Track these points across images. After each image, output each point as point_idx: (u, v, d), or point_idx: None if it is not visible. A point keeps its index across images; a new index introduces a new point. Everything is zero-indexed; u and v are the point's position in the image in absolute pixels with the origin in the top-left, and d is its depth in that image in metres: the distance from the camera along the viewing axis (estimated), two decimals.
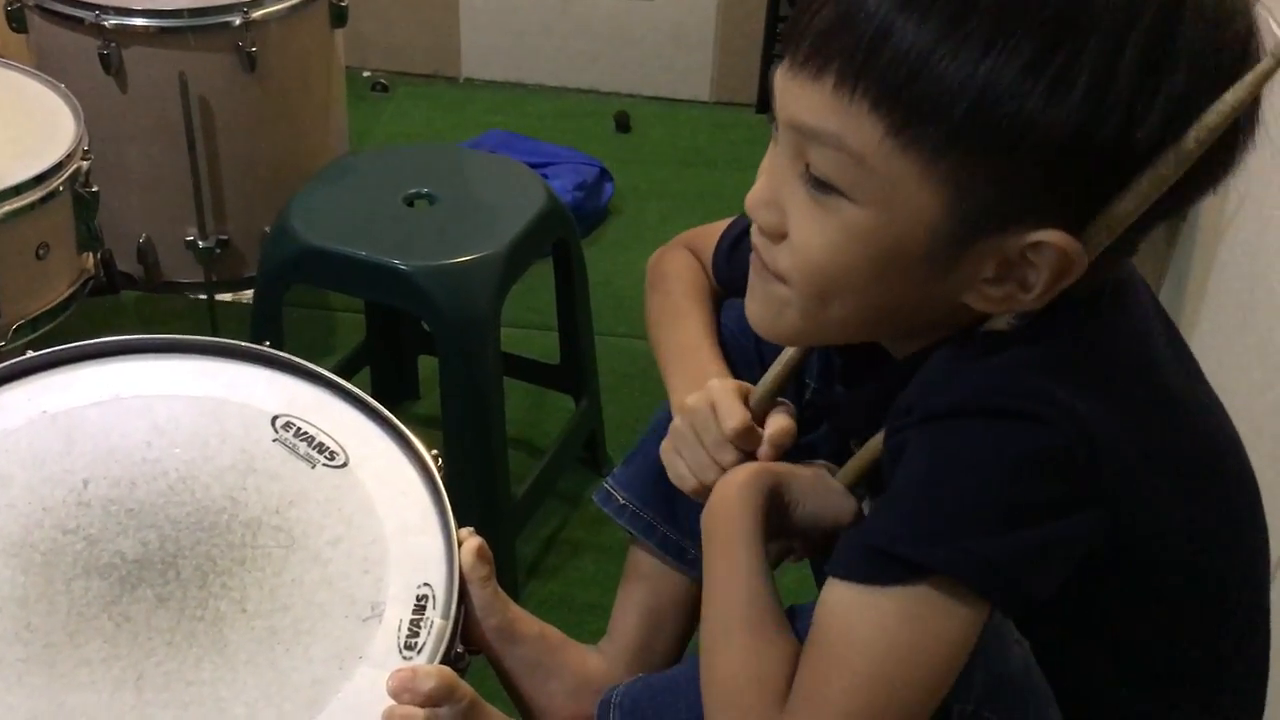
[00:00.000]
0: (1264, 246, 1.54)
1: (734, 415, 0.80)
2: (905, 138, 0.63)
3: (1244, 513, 0.75)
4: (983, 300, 0.68)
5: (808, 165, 0.68)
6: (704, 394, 0.82)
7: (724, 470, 0.80)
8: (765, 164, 0.72)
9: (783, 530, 0.79)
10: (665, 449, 0.85)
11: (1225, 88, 0.62)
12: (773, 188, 0.71)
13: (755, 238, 0.73)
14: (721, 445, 0.80)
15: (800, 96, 0.67)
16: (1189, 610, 0.74)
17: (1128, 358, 0.70)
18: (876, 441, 0.77)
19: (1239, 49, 0.63)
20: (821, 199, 0.68)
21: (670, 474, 0.84)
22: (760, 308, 0.75)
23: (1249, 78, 0.62)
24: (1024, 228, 0.64)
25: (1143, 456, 0.67)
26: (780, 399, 0.83)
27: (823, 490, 0.80)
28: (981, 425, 0.65)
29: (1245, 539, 0.76)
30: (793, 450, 0.86)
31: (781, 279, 0.72)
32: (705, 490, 0.81)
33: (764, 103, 2.85)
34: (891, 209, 0.66)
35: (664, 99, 2.81)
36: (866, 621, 0.65)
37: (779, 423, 0.81)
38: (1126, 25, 0.61)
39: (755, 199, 0.72)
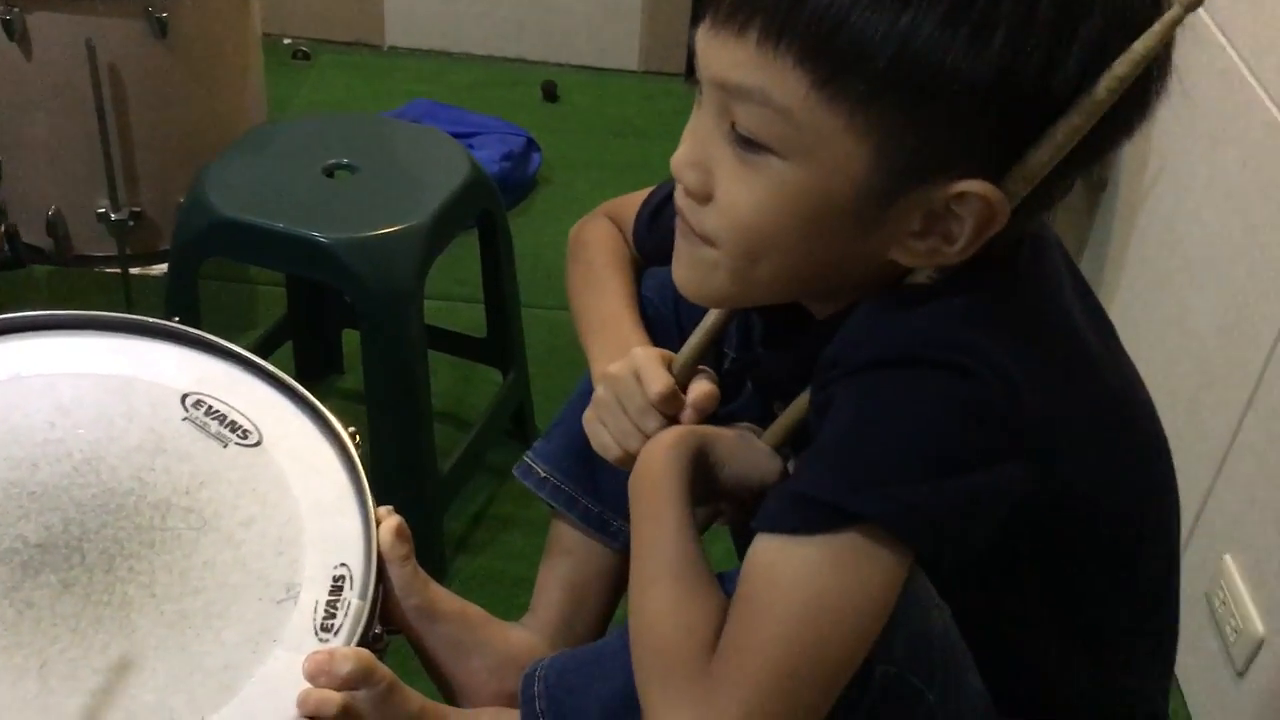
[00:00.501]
0: (1180, 215, 1.57)
1: (658, 380, 0.80)
2: (830, 90, 0.63)
3: (1158, 474, 0.77)
4: (908, 254, 0.69)
5: (733, 124, 0.67)
6: (627, 361, 0.82)
7: (648, 437, 0.79)
8: (690, 126, 0.72)
9: (709, 493, 0.79)
10: (588, 418, 0.84)
11: (1137, 35, 0.63)
12: (698, 149, 0.70)
13: (680, 200, 0.73)
14: (645, 412, 0.80)
15: (723, 54, 0.66)
16: (1107, 568, 0.75)
17: (1046, 313, 0.71)
18: (802, 400, 0.77)
19: None
20: (748, 157, 0.67)
21: (594, 443, 0.83)
22: (687, 271, 0.74)
23: (1158, 26, 0.63)
24: (948, 178, 0.65)
25: (1063, 411, 0.68)
26: (702, 365, 0.83)
27: (748, 451, 0.79)
28: (907, 375, 0.66)
29: (1160, 499, 0.77)
30: (714, 419, 0.86)
31: (709, 241, 0.71)
32: (629, 458, 0.80)
33: (692, 71, 2.83)
34: (819, 163, 0.66)
35: (591, 68, 2.79)
36: (793, 570, 0.65)
37: (702, 387, 0.81)
38: None
39: (680, 160, 0.71)
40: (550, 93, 2.64)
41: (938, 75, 0.61)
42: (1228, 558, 1.33)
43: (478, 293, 1.71)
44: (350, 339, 1.80)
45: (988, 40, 0.60)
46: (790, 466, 0.81)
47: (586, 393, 0.91)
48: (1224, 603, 1.32)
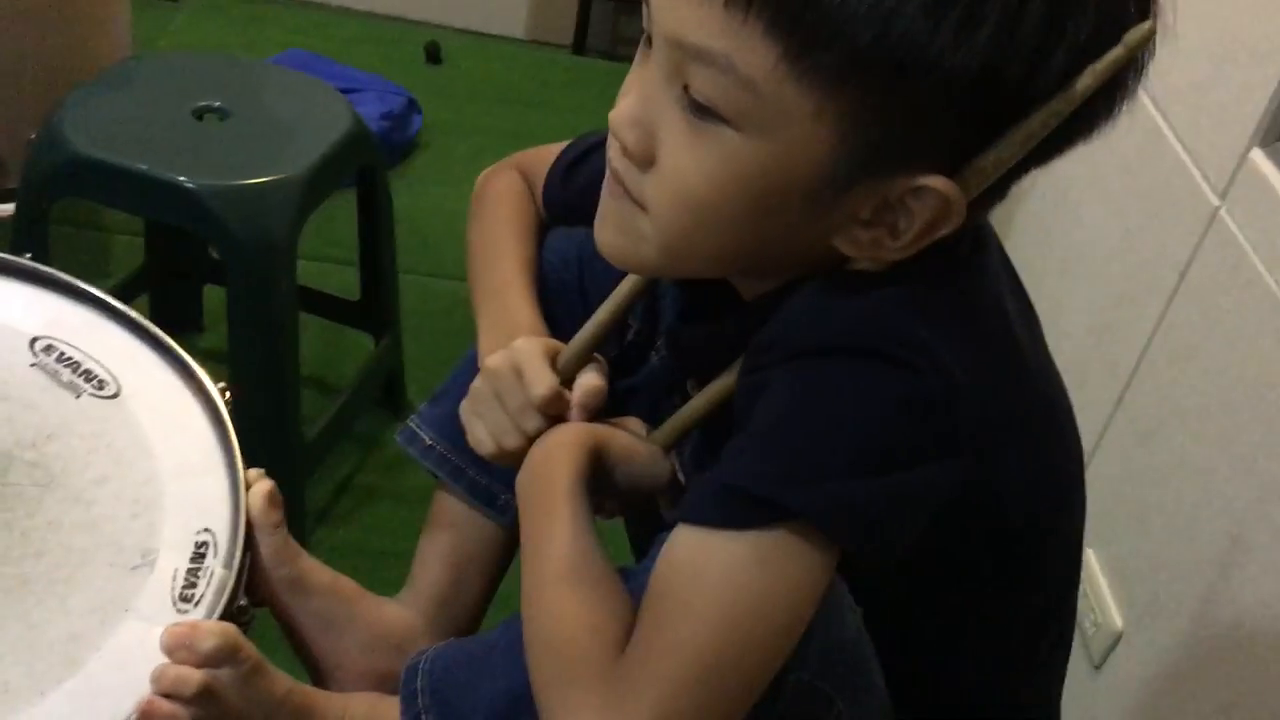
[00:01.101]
0: (1059, 215, 1.60)
1: (540, 382, 0.76)
2: (801, 66, 0.59)
3: (1073, 475, 0.76)
4: (850, 244, 0.65)
5: (687, 87, 0.63)
6: (507, 355, 0.77)
7: (527, 436, 0.76)
8: (632, 79, 0.67)
9: (598, 494, 0.75)
10: (464, 409, 0.80)
11: (1122, 34, 0.61)
12: (642, 107, 0.65)
13: (616, 160, 0.68)
14: (525, 410, 0.76)
15: (685, 11, 0.61)
16: (1018, 566, 0.74)
17: (985, 309, 0.69)
18: (704, 397, 0.74)
19: None
20: (700, 125, 0.63)
21: (469, 437, 0.79)
22: (614, 236, 0.70)
23: (1148, 24, 0.61)
24: (909, 171, 0.62)
25: (996, 412, 0.66)
26: (595, 354, 0.79)
27: (640, 453, 0.76)
28: (848, 366, 0.63)
29: (1071, 500, 0.77)
30: (615, 393, 0.83)
31: (643, 206, 0.67)
32: (506, 456, 0.77)
33: (579, 45, 2.79)
34: (778, 140, 0.62)
35: (477, 33, 2.72)
36: (717, 565, 0.62)
37: (589, 384, 0.77)
38: None
39: (621, 116, 0.66)
40: (434, 54, 2.57)
41: (918, 63, 0.58)
42: (1090, 552, 1.37)
43: (351, 254, 1.64)
44: (211, 295, 1.71)
45: (974, 31, 0.57)
46: (679, 469, 0.78)
47: (475, 359, 0.86)
48: (1084, 596, 1.36)
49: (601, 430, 0.75)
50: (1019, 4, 0.58)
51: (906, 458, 0.63)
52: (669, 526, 0.67)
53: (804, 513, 0.61)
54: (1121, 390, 1.36)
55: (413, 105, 2.26)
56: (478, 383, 0.79)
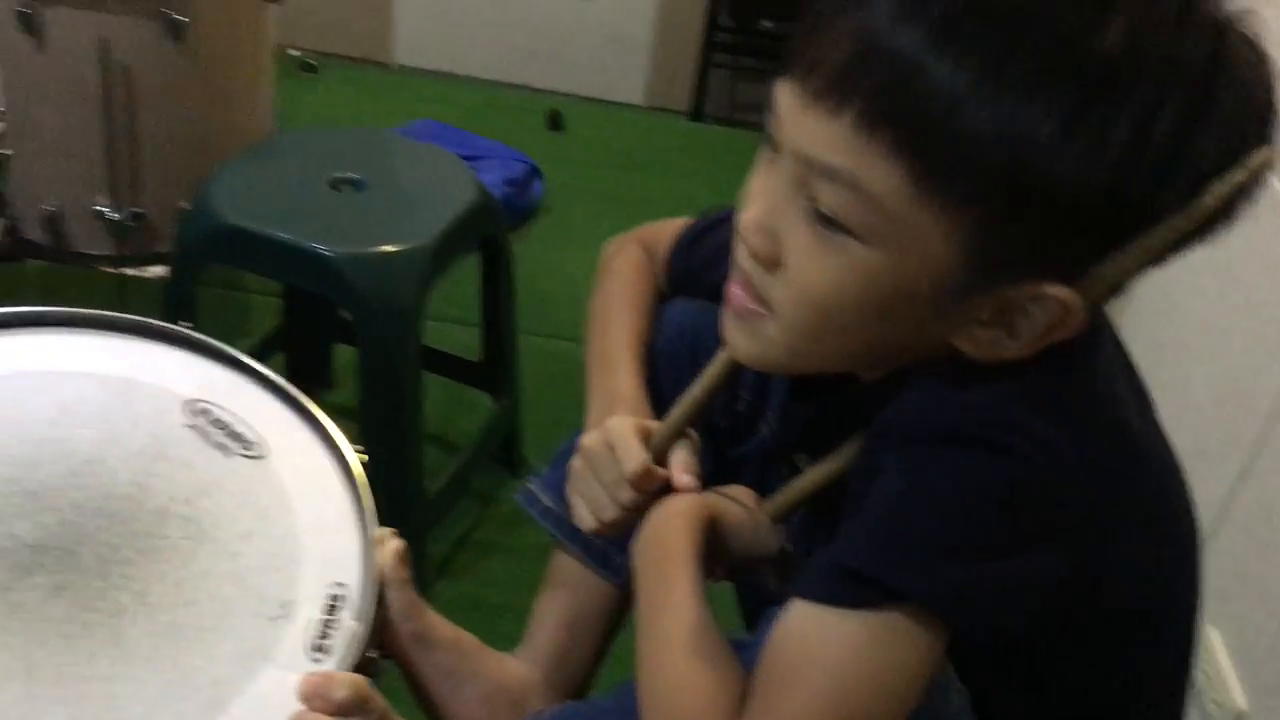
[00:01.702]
0: (1180, 284, 1.58)
1: (631, 458, 0.79)
2: (928, 186, 0.60)
3: (1188, 566, 0.76)
4: (969, 342, 0.67)
5: (814, 199, 0.64)
6: (601, 434, 0.81)
7: (623, 509, 0.79)
8: (760, 184, 0.69)
9: (708, 559, 0.78)
10: (568, 487, 0.84)
11: (1242, 156, 0.61)
12: (769, 213, 0.67)
13: (744, 260, 0.70)
14: (620, 485, 0.79)
15: (813, 130, 0.63)
16: (1126, 657, 0.74)
17: (1096, 395, 0.70)
18: (817, 473, 0.76)
19: (1265, 110, 0.62)
20: (826, 235, 0.65)
21: (572, 513, 0.83)
22: (743, 340, 0.72)
23: (1269, 150, 0.61)
24: (1032, 279, 0.63)
25: (1106, 497, 0.67)
26: (688, 430, 0.82)
27: (752, 525, 0.79)
28: (964, 453, 0.64)
29: (1185, 591, 0.76)
30: (725, 462, 0.85)
31: (769, 307, 0.69)
32: (605, 528, 0.80)
33: (697, 112, 2.85)
34: (902, 253, 0.63)
35: (597, 100, 2.80)
36: (832, 643, 0.64)
37: (681, 463, 0.80)
38: (1170, 79, 0.59)
39: (750, 223, 0.68)
40: (556, 122, 2.65)
41: (1047, 184, 0.59)
42: (1211, 630, 1.33)
43: (474, 315, 1.70)
44: (341, 354, 1.79)
45: (1104, 149, 0.58)
46: (786, 541, 0.80)
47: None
48: (1206, 676, 1.32)
49: (716, 501, 0.78)
50: (1146, 124, 0.58)
51: (1015, 543, 0.64)
52: (779, 596, 0.69)
53: (916, 596, 0.63)
54: (1245, 464, 1.33)
55: (534, 171, 2.34)
56: (575, 461, 0.82)
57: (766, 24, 2.78)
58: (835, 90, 0.62)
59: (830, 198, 0.64)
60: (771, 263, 0.68)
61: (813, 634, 0.65)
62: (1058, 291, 0.63)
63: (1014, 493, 0.63)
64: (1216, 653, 1.31)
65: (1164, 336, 1.58)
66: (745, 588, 0.92)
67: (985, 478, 0.64)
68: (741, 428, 0.85)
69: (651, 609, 0.73)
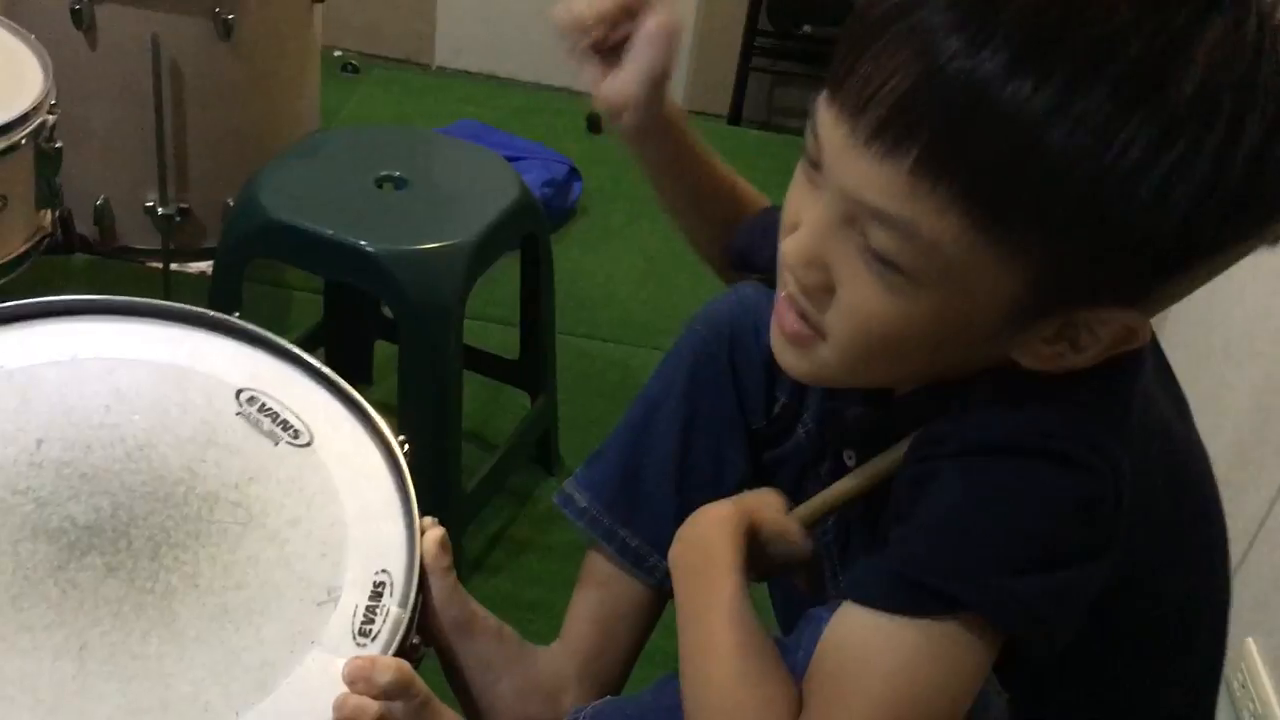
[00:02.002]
0: (1222, 293, 1.57)
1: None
2: (993, 233, 0.58)
3: (1220, 565, 0.76)
4: (1032, 357, 0.65)
5: (866, 235, 0.61)
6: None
7: None
8: (803, 207, 0.65)
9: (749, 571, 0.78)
10: None
11: None
12: (817, 244, 0.64)
13: (792, 286, 0.67)
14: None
15: (865, 172, 0.59)
16: (1162, 656, 0.74)
17: (1148, 404, 0.69)
18: (851, 483, 0.77)
19: None
20: (881, 271, 0.62)
21: None
22: (797, 361, 0.70)
23: None
24: (1096, 304, 0.62)
25: (1154, 510, 0.67)
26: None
27: (786, 532, 0.79)
28: (1022, 464, 0.64)
29: (1217, 588, 0.76)
30: (761, 465, 0.86)
31: (822, 333, 0.67)
32: None
33: (735, 116, 2.86)
34: (963, 292, 0.61)
35: None
36: (889, 650, 0.64)
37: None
38: (1247, 112, 0.56)
39: (797, 256, 0.65)
40: (596, 124, 2.66)
41: (1120, 220, 0.57)
42: (1250, 640, 1.32)
43: (512, 314, 1.71)
44: (381, 350, 1.81)
45: (1180, 186, 0.56)
46: (816, 545, 0.81)
47: (630, 428, 0.91)
48: (1244, 685, 1.31)
49: (754, 507, 0.78)
50: (1223, 162, 0.56)
51: (1073, 554, 0.64)
52: (814, 599, 0.69)
53: (976, 606, 0.63)
54: None
55: (574, 173, 2.35)
56: None
57: (806, 28, 2.78)
58: (891, 132, 0.58)
59: (884, 241, 0.60)
60: (825, 292, 0.66)
61: (871, 641, 0.64)
62: (1123, 315, 0.62)
63: (1076, 505, 0.63)
64: (1256, 663, 1.30)
65: (1205, 344, 1.57)
66: (779, 587, 0.92)
67: (1047, 489, 0.63)
68: (779, 430, 0.86)
69: (695, 613, 0.73)
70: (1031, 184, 0.56)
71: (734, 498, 0.80)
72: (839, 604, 0.68)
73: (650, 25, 0.82)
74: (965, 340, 0.65)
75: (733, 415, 0.87)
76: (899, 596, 0.64)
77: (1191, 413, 0.76)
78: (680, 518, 0.87)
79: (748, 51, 2.76)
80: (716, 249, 0.96)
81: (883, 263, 0.61)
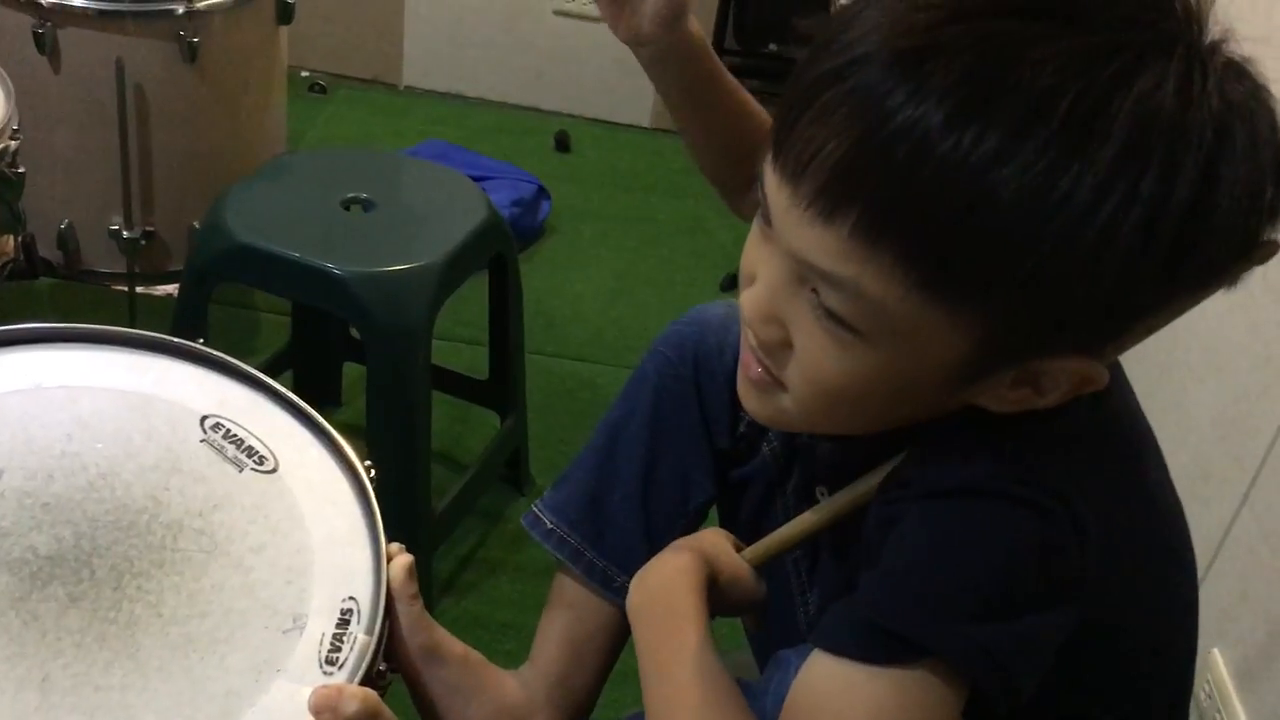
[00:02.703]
0: None
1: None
2: (939, 292, 0.58)
3: (1188, 603, 0.76)
4: (996, 401, 0.65)
5: (817, 294, 0.62)
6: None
7: None
8: (756, 256, 0.66)
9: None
10: None
11: (1251, 250, 0.60)
12: (773, 301, 0.65)
13: (752, 339, 0.68)
14: None
15: (808, 235, 0.60)
16: (1129, 685, 0.73)
17: (1119, 443, 0.70)
18: (802, 523, 0.77)
19: (1273, 191, 0.59)
20: (834, 330, 0.62)
21: None
22: (760, 407, 0.71)
23: (1273, 245, 0.61)
24: (1053, 357, 0.62)
25: (1121, 555, 0.67)
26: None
27: (744, 577, 0.79)
28: (988, 508, 0.63)
29: (1186, 612, 0.76)
30: (728, 483, 0.86)
31: (782, 385, 0.68)
32: None
33: None
34: (915, 348, 0.61)
35: (604, 122, 2.82)
36: (860, 700, 0.63)
37: None
38: (1181, 152, 0.56)
39: (754, 313, 0.66)
40: (563, 143, 2.67)
41: (1060, 281, 0.57)
42: (1216, 652, 1.34)
43: (481, 334, 1.71)
44: (350, 372, 1.80)
45: (1112, 247, 0.56)
46: (761, 586, 0.81)
47: (596, 449, 0.91)
48: (1210, 696, 1.33)
49: (711, 554, 0.78)
50: (1158, 217, 0.56)
51: (1040, 600, 0.63)
52: (785, 639, 0.68)
53: (943, 653, 0.63)
54: (1248, 486, 1.34)
55: (542, 192, 2.36)
56: None
57: (772, 47, 2.81)
58: (829, 196, 0.58)
59: (833, 300, 0.61)
60: (781, 347, 0.66)
61: (839, 690, 0.64)
62: (1078, 364, 0.62)
63: (1040, 550, 0.63)
64: (1222, 675, 1.32)
65: (1167, 359, 1.58)
66: (757, 638, 0.92)
67: (1012, 535, 0.63)
68: (744, 449, 0.86)
69: (662, 670, 0.73)
70: (972, 242, 0.56)
71: (689, 542, 0.80)
72: (807, 649, 0.67)
73: None
74: (922, 392, 0.65)
75: (698, 434, 0.87)
76: (867, 644, 0.64)
77: (1159, 448, 0.75)
78: (648, 537, 0.88)
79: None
80: (727, 173, 0.96)
81: (834, 321, 0.62)
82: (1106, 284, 0.57)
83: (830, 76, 0.58)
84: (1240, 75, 0.59)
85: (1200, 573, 1.37)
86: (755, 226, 0.67)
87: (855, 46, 0.58)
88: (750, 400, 0.71)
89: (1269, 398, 1.32)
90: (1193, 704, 1.35)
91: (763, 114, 0.96)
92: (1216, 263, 0.60)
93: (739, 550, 0.81)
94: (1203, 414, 1.47)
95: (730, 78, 0.95)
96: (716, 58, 0.93)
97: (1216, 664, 1.32)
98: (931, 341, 0.61)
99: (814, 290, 0.62)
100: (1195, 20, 0.58)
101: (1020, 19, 0.56)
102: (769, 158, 0.62)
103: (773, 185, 0.62)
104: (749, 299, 0.67)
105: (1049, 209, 0.55)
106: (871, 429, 0.71)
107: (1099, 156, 0.55)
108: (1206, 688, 1.33)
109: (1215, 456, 1.41)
